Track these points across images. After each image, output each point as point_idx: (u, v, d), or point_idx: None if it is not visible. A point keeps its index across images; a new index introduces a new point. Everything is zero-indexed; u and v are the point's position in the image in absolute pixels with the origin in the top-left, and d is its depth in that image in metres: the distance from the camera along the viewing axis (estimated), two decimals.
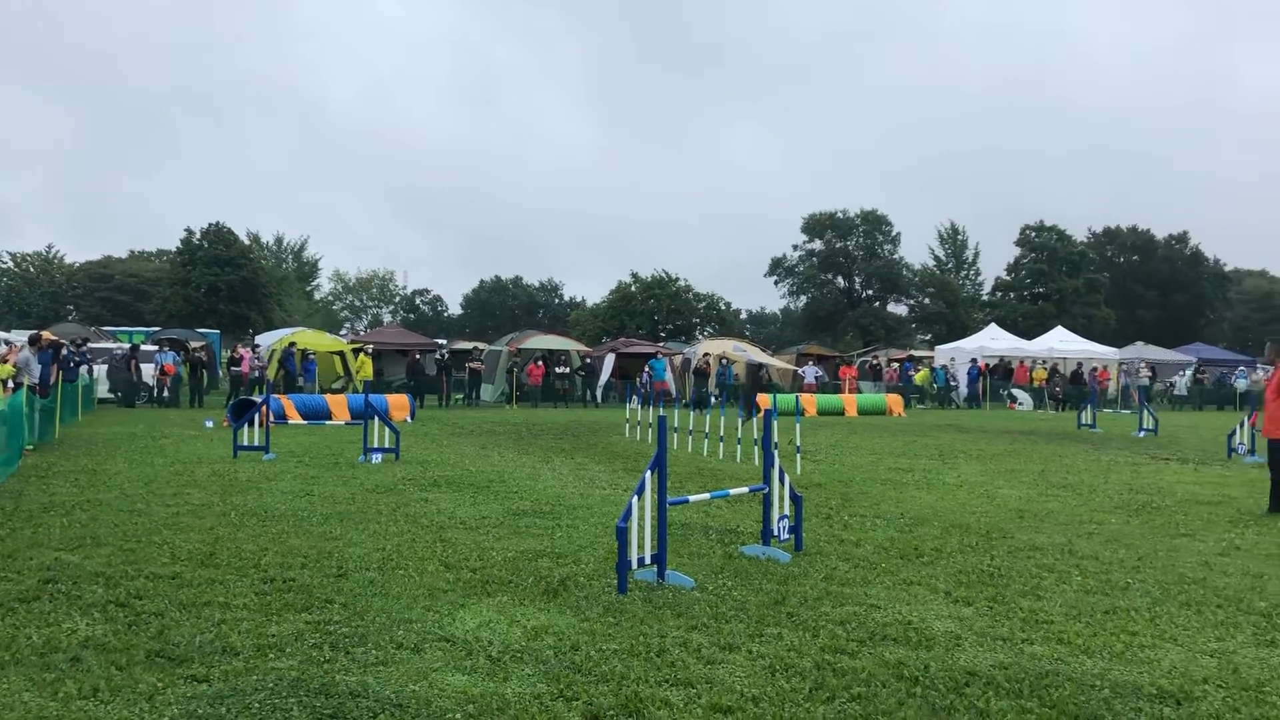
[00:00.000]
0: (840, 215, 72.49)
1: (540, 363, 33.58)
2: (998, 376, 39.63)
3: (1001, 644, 5.44)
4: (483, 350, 36.38)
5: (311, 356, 29.45)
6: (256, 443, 14.56)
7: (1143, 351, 49.50)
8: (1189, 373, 43.29)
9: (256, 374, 26.97)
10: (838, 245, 72.63)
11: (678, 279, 66.30)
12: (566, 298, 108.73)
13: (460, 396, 32.57)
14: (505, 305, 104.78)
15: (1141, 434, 22.83)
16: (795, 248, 74.23)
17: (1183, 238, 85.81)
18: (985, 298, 76.97)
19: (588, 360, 35.77)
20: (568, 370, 34.32)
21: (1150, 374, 42.25)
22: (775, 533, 7.77)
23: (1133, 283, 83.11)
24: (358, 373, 29.89)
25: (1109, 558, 7.92)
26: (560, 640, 5.34)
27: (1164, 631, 5.75)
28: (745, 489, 8.30)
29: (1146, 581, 7.07)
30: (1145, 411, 23.97)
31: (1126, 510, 10.59)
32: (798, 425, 14.52)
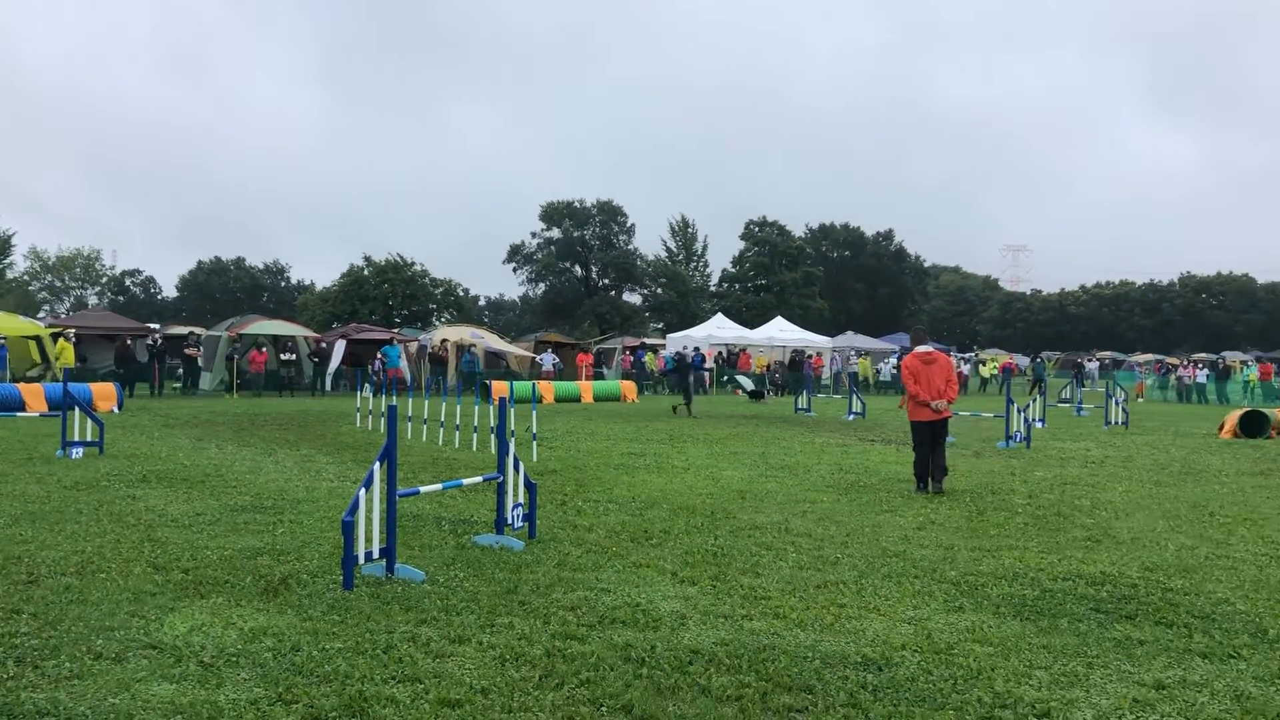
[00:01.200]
0: (578, 205, 73.41)
1: (264, 349, 31.96)
2: (723, 363, 41.42)
3: (723, 621, 5.67)
4: (200, 336, 34.11)
5: (1, 342, 26.64)
6: None
7: (853, 340, 53.22)
8: (893, 360, 46.90)
9: None
10: (575, 234, 73.49)
11: (414, 263, 64.86)
12: (294, 281, 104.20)
13: (176, 385, 30.45)
14: (226, 288, 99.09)
15: (851, 417, 24.52)
16: (534, 235, 74.60)
17: (889, 235, 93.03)
18: (713, 288, 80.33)
19: (322, 345, 34.36)
20: (294, 357, 32.83)
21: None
22: (509, 521, 7.75)
23: (845, 276, 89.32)
24: (57, 359, 27.30)
25: (821, 534, 8.44)
26: (280, 641, 5.09)
27: (869, 603, 6.19)
28: (479, 478, 8.23)
29: (854, 556, 7.58)
30: (854, 396, 25.78)
31: (837, 489, 11.34)
32: (534, 412, 14.57)
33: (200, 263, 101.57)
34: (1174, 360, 59.11)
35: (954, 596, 6.39)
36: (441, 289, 67.69)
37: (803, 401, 27.10)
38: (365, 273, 61.67)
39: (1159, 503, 10.74)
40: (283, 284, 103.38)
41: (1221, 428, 20.92)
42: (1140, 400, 40.95)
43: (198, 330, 36.57)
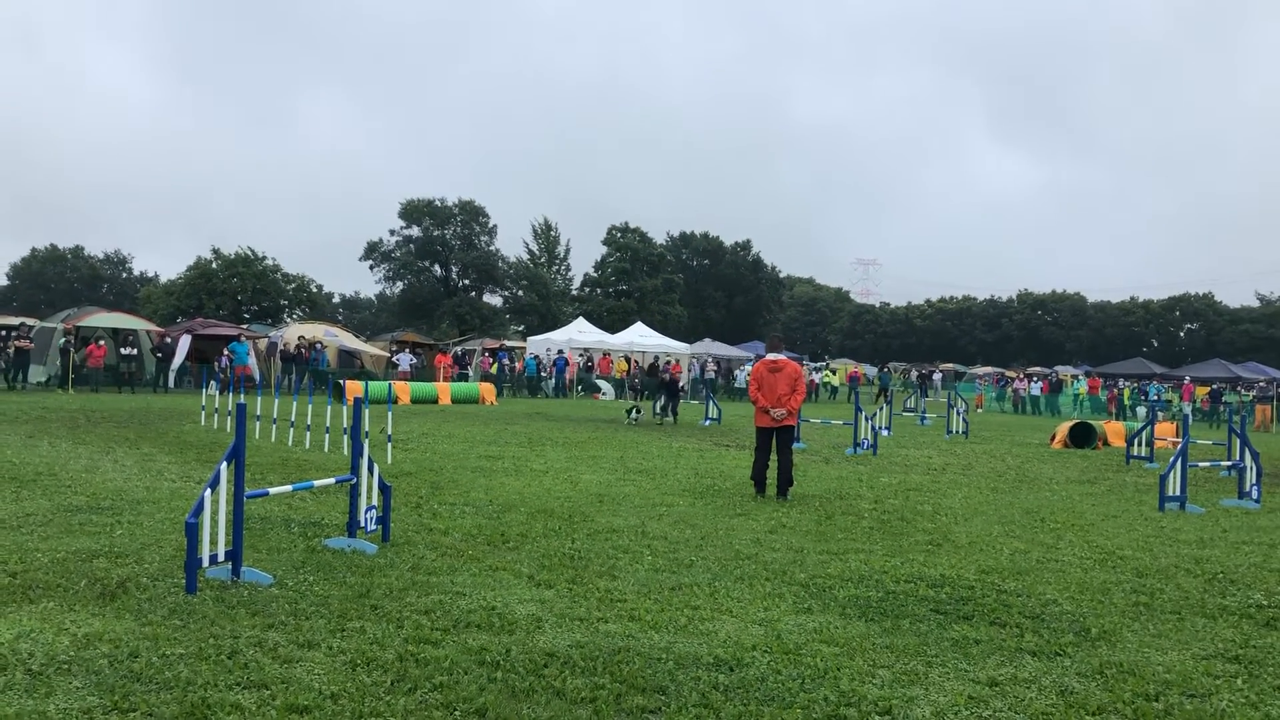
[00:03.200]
0: (439, 203, 72.31)
1: (102, 343, 30.40)
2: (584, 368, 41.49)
3: (579, 624, 5.69)
4: (33, 327, 32.23)
5: None
6: None
7: (710, 347, 54.17)
8: (748, 367, 47.89)
9: None
10: (436, 233, 72.35)
11: (265, 258, 62.80)
12: (136, 272, 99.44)
13: (3, 379, 28.66)
14: (63, 277, 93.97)
15: (708, 423, 24.93)
16: (393, 233, 73.03)
17: (746, 245, 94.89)
18: (575, 292, 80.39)
19: (166, 340, 32.88)
20: (135, 352, 31.34)
21: (716, 368, 46.29)
22: (363, 524, 7.60)
23: (704, 284, 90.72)
24: None
25: (677, 537, 8.56)
26: (117, 647, 4.86)
27: (721, 604, 6.31)
28: (331, 480, 8.04)
29: (708, 559, 7.72)
30: (711, 402, 26.21)
31: (693, 493, 11.51)
32: (389, 413, 14.30)
33: (34, 250, 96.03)
34: (1011, 373, 62.15)
35: (803, 598, 6.57)
36: (294, 285, 65.76)
37: (660, 406, 27.37)
38: (214, 266, 59.36)
39: (995, 509, 11.29)
40: (124, 275, 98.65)
41: (1053, 438, 22.12)
42: (980, 411, 42.90)
43: (30, 321, 34.53)
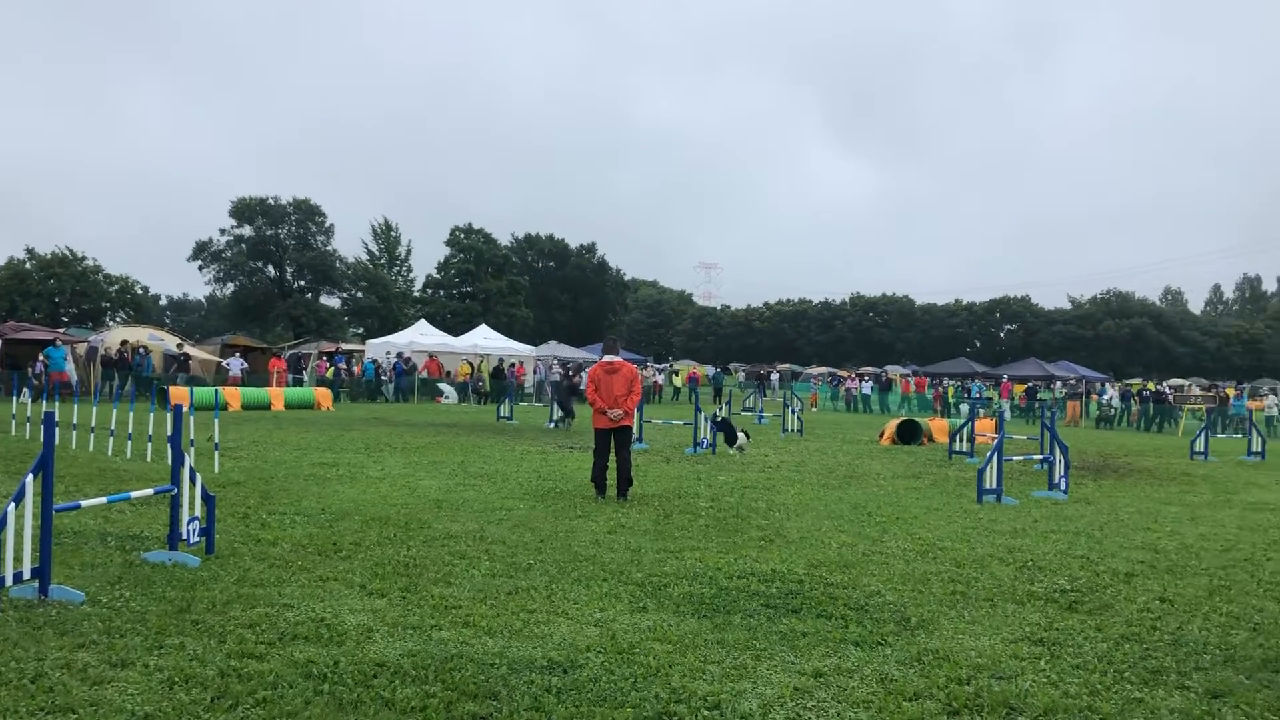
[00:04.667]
0: (272, 202, 69.85)
1: None
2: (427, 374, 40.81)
3: (412, 632, 5.61)
4: None
5: None
6: None
7: (556, 349, 54.15)
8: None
9: None
10: (269, 233, 69.87)
11: (85, 258, 59.44)
12: None
13: None
14: None
15: (552, 425, 24.91)
16: (223, 232, 70.09)
17: (591, 248, 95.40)
18: (417, 294, 79.05)
19: None
20: None
21: (563, 370, 46.24)
22: (184, 536, 7.28)
23: (549, 286, 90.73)
24: None
25: (515, 541, 8.53)
26: None
27: (558, 607, 6.33)
28: (150, 491, 7.68)
29: (546, 561, 7.72)
30: (555, 405, 26.19)
31: (534, 496, 11.49)
32: (216, 420, 13.73)
33: None
34: (844, 373, 64.43)
35: (639, 597, 6.66)
36: (117, 287, 62.55)
37: (505, 409, 27.25)
38: (27, 266, 55.81)
39: (825, 504, 11.68)
40: None
41: (882, 435, 23.04)
42: (814, 409, 44.28)
43: None
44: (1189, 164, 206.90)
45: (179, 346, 33.40)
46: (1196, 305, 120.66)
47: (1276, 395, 44.70)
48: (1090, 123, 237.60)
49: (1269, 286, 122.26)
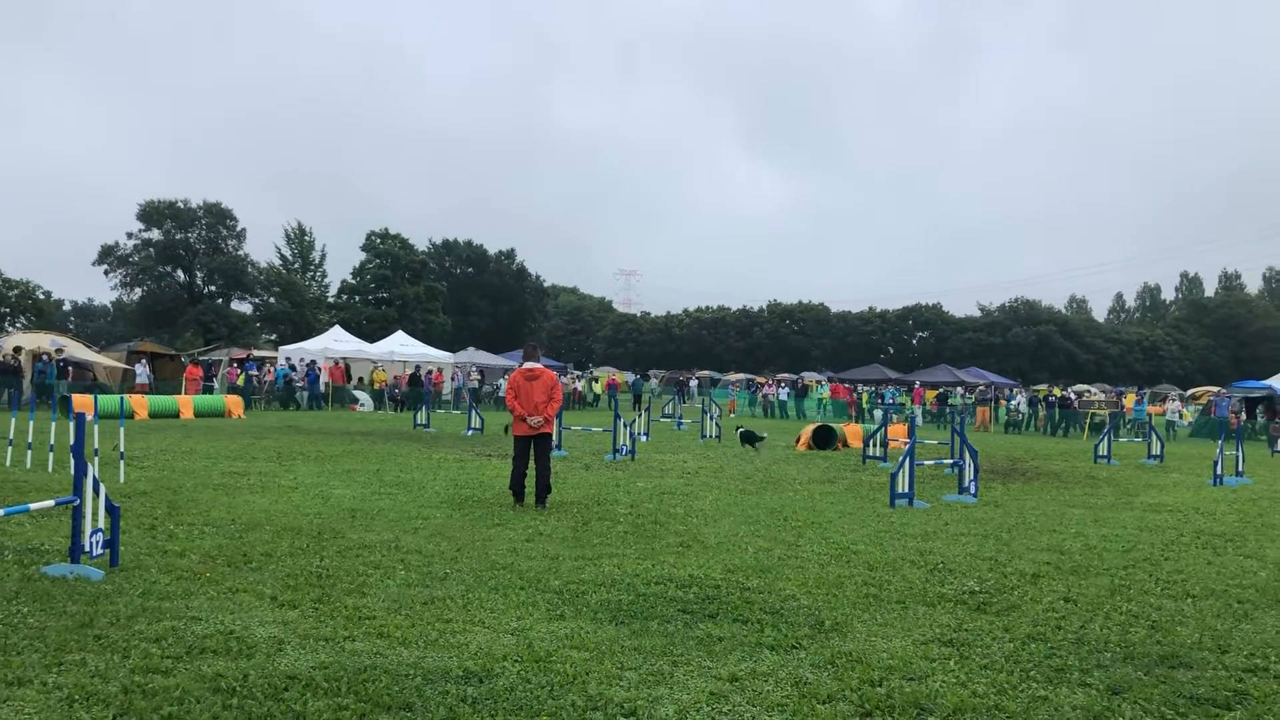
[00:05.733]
0: (182, 205, 67.95)
1: None
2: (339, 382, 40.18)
3: (324, 644, 5.51)
4: None
5: None
6: None
7: (474, 356, 53.76)
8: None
9: None
10: (178, 237, 67.96)
11: None
12: None
13: None
14: None
15: (470, 433, 24.72)
16: (130, 236, 67.90)
17: (510, 254, 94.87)
18: (331, 300, 77.69)
19: None
20: None
21: (480, 378, 45.96)
22: (87, 549, 7.06)
23: (468, 292, 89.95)
24: None
25: (431, 550, 8.44)
26: None
27: (474, 616, 6.28)
28: (51, 502, 7.43)
29: (463, 570, 7.65)
30: (474, 412, 26.02)
31: (451, 504, 11.38)
32: (121, 429, 13.33)
33: None
34: (761, 379, 65.12)
35: (556, 605, 6.64)
36: (16, 291, 60.33)
37: (422, 417, 26.95)
38: None
39: (743, 509, 11.79)
40: None
41: (798, 440, 23.33)
42: (732, 415, 44.65)
43: None
44: (1093, 175, 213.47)
45: (58, 351, 32.26)
46: (1100, 313, 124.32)
47: (1176, 402, 46.41)
48: (999, 135, 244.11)
49: (1168, 295, 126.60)
